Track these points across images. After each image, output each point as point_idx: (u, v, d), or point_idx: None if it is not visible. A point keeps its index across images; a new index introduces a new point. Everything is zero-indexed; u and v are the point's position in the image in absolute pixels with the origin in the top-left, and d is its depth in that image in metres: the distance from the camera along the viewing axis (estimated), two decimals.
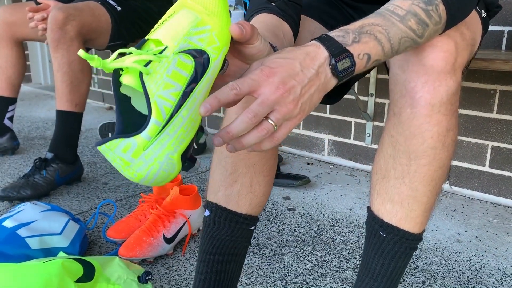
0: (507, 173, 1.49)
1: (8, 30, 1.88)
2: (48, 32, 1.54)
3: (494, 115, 1.49)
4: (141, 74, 0.54)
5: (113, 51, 1.97)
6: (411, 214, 0.79)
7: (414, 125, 0.72)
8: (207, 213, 0.85)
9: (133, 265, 1.02)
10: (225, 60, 0.59)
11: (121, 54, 0.56)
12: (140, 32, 1.95)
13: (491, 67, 1.13)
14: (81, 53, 0.52)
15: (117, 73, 0.56)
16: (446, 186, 1.63)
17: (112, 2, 1.79)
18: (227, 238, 0.84)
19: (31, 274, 0.83)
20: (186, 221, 1.24)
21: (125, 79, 0.55)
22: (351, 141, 1.86)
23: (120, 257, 1.09)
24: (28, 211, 1.15)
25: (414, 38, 0.64)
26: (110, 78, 2.93)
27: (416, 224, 0.81)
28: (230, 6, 1.60)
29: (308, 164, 1.93)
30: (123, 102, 0.59)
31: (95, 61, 0.52)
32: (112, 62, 0.54)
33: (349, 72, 0.59)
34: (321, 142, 1.96)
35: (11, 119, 1.99)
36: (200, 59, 0.56)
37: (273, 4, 0.83)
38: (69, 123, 1.61)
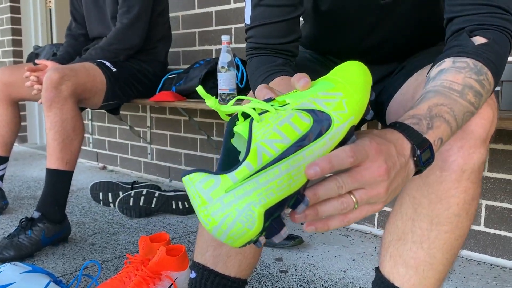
0: (503, 233, 1.46)
1: (5, 90, 1.91)
2: (43, 92, 1.56)
3: (486, 173, 1.48)
4: (251, 120, 0.50)
5: (106, 111, 2.00)
6: (425, 281, 0.75)
7: (442, 189, 0.70)
8: (193, 275, 0.82)
9: None
10: (352, 132, 0.53)
11: (239, 101, 0.54)
12: (135, 92, 1.99)
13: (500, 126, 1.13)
14: (200, 89, 0.50)
15: (232, 123, 0.54)
16: None
17: (107, 63, 1.84)
18: None
19: None
20: (172, 284, 1.19)
21: (237, 128, 0.52)
22: None
23: None
24: (7, 272, 1.10)
25: (473, 111, 0.64)
26: (104, 138, 2.96)
27: None
28: (222, 67, 1.63)
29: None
30: (231, 152, 0.55)
31: (211, 100, 0.50)
32: (227, 106, 0.51)
33: (430, 163, 0.56)
34: None
35: (1, 178, 1.97)
36: (321, 121, 0.51)
37: (287, 67, 0.85)
38: (58, 182, 1.59)
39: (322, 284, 1.34)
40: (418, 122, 0.56)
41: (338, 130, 0.52)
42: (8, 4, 3.79)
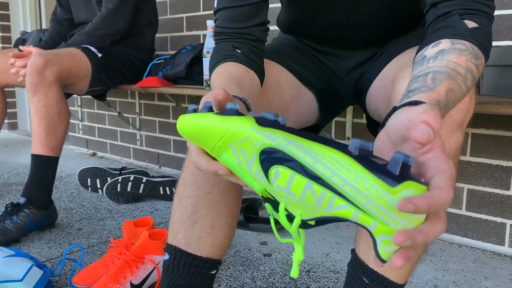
0: (483, 216, 1.48)
1: None
2: (27, 77, 1.56)
3: (467, 158, 1.50)
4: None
5: (93, 96, 1.99)
6: None
7: None
8: (166, 257, 0.83)
9: None
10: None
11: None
12: (121, 78, 1.98)
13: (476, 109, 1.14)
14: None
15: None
16: None
17: (93, 49, 1.83)
18: (187, 283, 0.81)
19: None
20: (155, 267, 1.21)
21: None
22: None
23: None
24: None
25: (465, 94, 0.65)
26: (94, 124, 2.95)
27: (401, 275, 0.80)
28: (208, 52, 1.63)
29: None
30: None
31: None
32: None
33: None
34: None
35: None
36: None
37: (239, 51, 0.84)
38: (44, 167, 1.59)
39: (305, 267, 1.36)
40: (442, 109, 0.55)
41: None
42: None
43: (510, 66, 1.18)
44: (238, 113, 0.52)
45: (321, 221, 0.47)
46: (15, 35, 3.85)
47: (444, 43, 0.67)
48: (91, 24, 1.88)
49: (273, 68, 0.95)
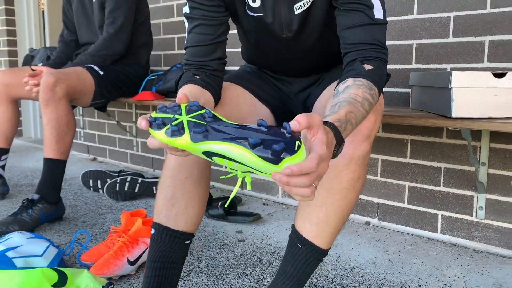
0: (421, 208, 1.78)
1: (6, 91, 2.20)
2: (40, 93, 1.85)
3: (408, 160, 1.80)
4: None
5: (96, 108, 2.29)
6: (322, 234, 1.07)
7: (337, 169, 1.01)
8: (152, 231, 1.12)
9: (99, 277, 1.27)
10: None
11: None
12: (120, 92, 2.28)
13: (403, 122, 1.44)
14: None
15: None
16: (375, 221, 1.91)
17: (95, 68, 2.13)
18: (167, 249, 1.10)
19: (16, 277, 1.08)
20: (147, 248, 1.50)
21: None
22: None
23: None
24: (16, 238, 1.40)
25: (366, 115, 0.94)
26: (94, 132, 3.25)
27: (325, 242, 1.09)
28: None
29: (264, 204, 2.21)
30: None
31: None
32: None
33: (339, 153, 0.81)
34: (275, 185, 2.25)
35: (3, 167, 2.26)
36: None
37: (197, 77, 1.12)
38: (54, 169, 1.89)
39: (271, 249, 1.65)
40: (340, 125, 0.83)
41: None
42: (3, 7, 4.05)
43: (427, 87, 1.49)
44: (199, 108, 0.79)
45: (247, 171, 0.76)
46: (20, 49, 4.15)
47: (349, 81, 0.98)
48: (94, 46, 2.18)
49: (232, 88, 1.25)
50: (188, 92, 1.03)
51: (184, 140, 0.74)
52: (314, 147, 0.71)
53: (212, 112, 0.77)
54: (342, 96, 0.93)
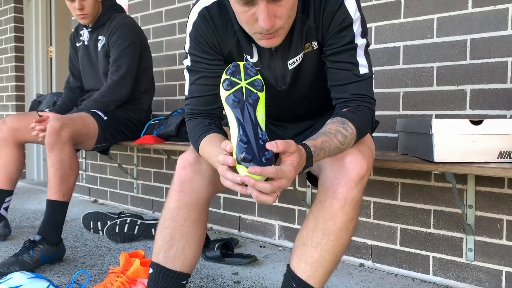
0: (413, 250, 1.82)
1: (13, 134, 2.29)
2: (46, 137, 1.94)
3: (399, 202, 1.86)
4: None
5: (99, 152, 2.38)
6: (316, 273, 1.13)
7: (332, 211, 1.08)
8: (151, 271, 1.17)
9: None
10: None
11: None
12: (122, 136, 2.38)
13: (390, 166, 1.51)
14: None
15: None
16: (369, 262, 1.95)
17: (99, 113, 2.23)
18: None
19: None
20: None
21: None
22: (296, 225, 2.20)
23: None
24: (17, 277, 1.45)
25: (340, 146, 1.06)
26: (96, 174, 3.32)
27: (318, 282, 1.14)
28: None
29: (261, 246, 2.25)
30: None
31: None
32: None
33: (304, 172, 1.00)
34: (272, 227, 2.30)
35: (6, 209, 2.31)
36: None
37: (213, 126, 1.22)
38: (57, 210, 1.95)
39: None
40: (315, 150, 0.99)
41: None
42: (13, 54, 4.23)
43: (411, 133, 1.57)
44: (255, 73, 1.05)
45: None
46: (27, 94, 4.30)
47: (328, 121, 1.11)
48: (98, 93, 2.29)
49: None
50: (218, 141, 1.11)
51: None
52: (283, 165, 0.91)
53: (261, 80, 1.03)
54: (321, 130, 1.07)
